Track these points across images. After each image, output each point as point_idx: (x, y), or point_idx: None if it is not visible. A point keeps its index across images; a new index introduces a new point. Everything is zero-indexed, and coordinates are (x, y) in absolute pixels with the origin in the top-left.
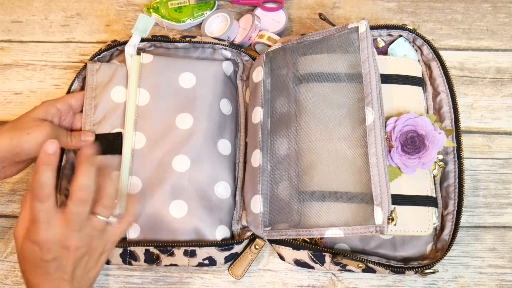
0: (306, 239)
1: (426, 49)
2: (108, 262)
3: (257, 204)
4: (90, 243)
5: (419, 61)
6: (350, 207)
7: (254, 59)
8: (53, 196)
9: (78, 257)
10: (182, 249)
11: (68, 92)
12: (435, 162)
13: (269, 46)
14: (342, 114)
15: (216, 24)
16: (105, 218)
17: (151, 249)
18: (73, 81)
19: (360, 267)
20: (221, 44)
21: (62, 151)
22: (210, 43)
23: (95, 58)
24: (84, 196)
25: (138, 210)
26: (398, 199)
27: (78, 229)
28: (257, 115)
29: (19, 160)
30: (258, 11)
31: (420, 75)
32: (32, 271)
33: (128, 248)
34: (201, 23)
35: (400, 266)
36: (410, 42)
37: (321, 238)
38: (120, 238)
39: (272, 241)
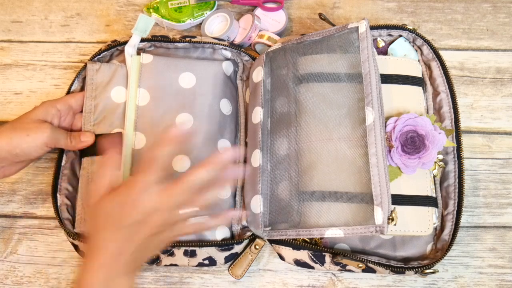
0: (306, 239)
1: (426, 49)
2: None
3: (257, 204)
4: (168, 227)
5: (419, 61)
6: (350, 207)
7: (254, 59)
8: (159, 173)
9: (152, 233)
10: (182, 249)
11: (68, 92)
12: (435, 162)
13: (269, 46)
14: (342, 114)
15: (216, 24)
16: (191, 211)
17: None
18: (73, 81)
19: (360, 267)
20: (221, 44)
21: (62, 151)
22: (210, 43)
23: (95, 58)
24: (194, 187)
25: (223, 222)
26: (398, 199)
27: (169, 210)
28: (257, 115)
29: (18, 161)
30: (258, 11)
31: (420, 75)
32: (102, 228)
33: None
34: (201, 23)
35: (400, 266)
36: (410, 42)
37: (321, 238)
38: (187, 234)
39: (272, 241)
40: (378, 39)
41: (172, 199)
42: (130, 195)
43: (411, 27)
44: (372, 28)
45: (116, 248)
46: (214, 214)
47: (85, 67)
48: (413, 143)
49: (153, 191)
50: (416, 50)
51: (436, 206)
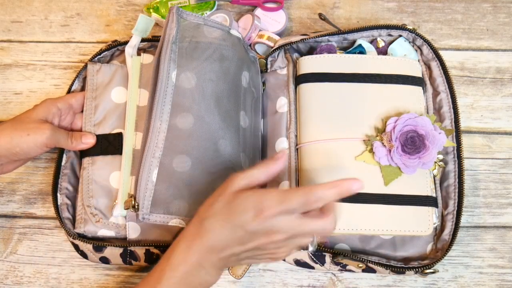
0: None
1: (426, 49)
2: (108, 262)
3: None
4: (279, 248)
5: (419, 61)
6: None
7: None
8: (311, 209)
9: (259, 248)
10: None
11: (69, 92)
12: (435, 162)
13: (269, 46)
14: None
15: None
16: (309, 243)
17: (151, 249)
18: (73, 81)
19: (360, 267)
20: None
21: (62, 151)
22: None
23: (96, 58)
24: (329, 230)
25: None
26: (398, 199)
27: (293, 236)
28: (283, 105)
29: (16, 159)
30: (258, 11)
31: (420, 75)
32: (220, 218)
33: (128, 248)
34: None
35: (400, 266)
36: (410, 42)
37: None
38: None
39: None
40: (378, 39)
41: (301, 229)
42: (272, 208)
43: (411, 27)
44: (372, 28)
45: (224, 242)
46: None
47: (85, 67)
48: (413, 143)
49: (293, 218)
50: (416, 50)
51: (436, 206)
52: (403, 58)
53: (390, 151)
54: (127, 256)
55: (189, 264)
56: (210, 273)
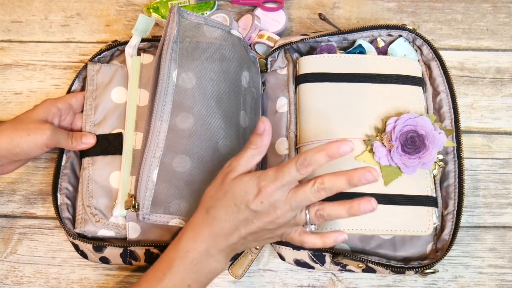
0: None
1: (426, 49)
2: (108, 262)
3: None
4: (281, 226)
5: (419, 61)
6: None
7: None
8: (304, 176)
9: (264, 228)
10: None
11: (69, 92)
12: (435, 162)
13: (269, 46)
14: None
15: None
16: (309, 221)
17: (151, 249)
18: (73, 81)
19: (360, 267)
20: None
21: (62, 151)
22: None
23: (96, 58)
24: (321, 194)
25: (336, 242)
26: (398, 199)
27: (294, 209)
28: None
29: (17, 159)
30: (258, 11)
31: (420, 75)
32: (223, 205)
33: (128, 248)
34: None
35: (400, 266)
36: (410, 42)
37: None
38: (293, 240)
39: None
40: (378, 39)
41: (296, 197)
42: (269, 186)
43: (411, 27)
44: (372, 28)
45: (231, 226)
46: (322, 233)
47: (85, 67)
48: (413, 143)
49: (285, 191)
50: (416, 50)
51: (436, 206)
52: (403, 58)
53: (390, 151)
54: (127, 256)
55: (198, 252)
56: (218, 260)
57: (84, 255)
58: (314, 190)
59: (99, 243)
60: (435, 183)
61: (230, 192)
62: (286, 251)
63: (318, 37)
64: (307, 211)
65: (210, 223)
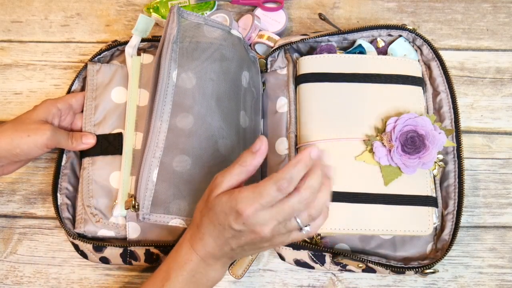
0: (306, 239)
1: (426, 49)
2: (108, 262)
3: None
4: (273, 238)
5: (419, 61)
6: None
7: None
8: (287, 193)
9: (254, 242)
10: None
11: (69, 92)
12: (435, 162)
13: (269, 46)
14: None
15: None
16: (302, 225)
17: (151, 249)
18: (73, 81)
19: (360, 267)
20: None
21: (62, 151)
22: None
23: (96, 58)
24: (308, 201)
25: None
26: (398, 199)
27: (282, 222)
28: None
29: (17, 160)
30: (258, 11)
31: (420, 75)
32: (209, 222)
33: (128, 248)
34: None
35: (400, 266)
36: (410, 42)
37: (321, 238)
38: (296, 241)
39: None
40: (378, 39)
41: (282, 213)
42: (249, 206)
43: (411, 27)
44: (372, 28)
45: (221, 241)
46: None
47: (85, 67)
48: (413, 143)
49: (267, 210)
50: (416, 50)
51: (436, 206)
52: (403, 58)
53: (390, 151)
54: (127, 256)
55: (195, 263)
56: (216, 269)
57: (84, 255)
58: (302, 200)
59: (99, 243)
60: (435, 183)
61: (212, 210)
62: (286, 251)
63: (318, 37)
64: (297, 218)
65: (202, 237)
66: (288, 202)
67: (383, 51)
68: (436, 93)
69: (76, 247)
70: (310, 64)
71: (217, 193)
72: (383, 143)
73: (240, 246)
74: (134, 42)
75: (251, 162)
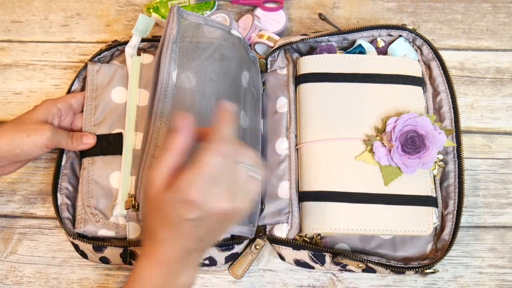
0: (306, 239)
1: (426, 49)
2: (108, 262)
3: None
4: (235, 203)
5: (419, 61)
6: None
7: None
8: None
9: (221, 221)
10: None
11: (69, 92)
12: (435, 162)
13: (269, 46)
14: None
15: None
16: (250, 166)
17: None
18: (73, 81)
19: (360, 267)
20: None
21: (62, 151)
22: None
23: (96, 58)
24: (230, 153)
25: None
26: (398, 199)
27: (230, 183)
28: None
29: (17, 160)
30: (258, 11)
31: (420, 75)
32: (161, 225)
33: (128, 248)
34: None
35: (400, 266)
36: (410, 42)
37: (321, 238)
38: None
39: (272, 241)
40: (378, 39)
41: (231, 165)
42: (192, 193)
43: (411, 27)
44: (372, 28)
45: (180, 245)
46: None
47: (85, 67)
48: (413, 143)
49: (216, 181)
50: (416, 50)
51: (436, 206)
52: (403, 58)
53: (390, 151)
54: (127, 256)
55: (159, 277)
56: (185, 274)
57: (84, 255)
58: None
59: (99, 243)
60: (435, 183)
61: (160, 211)
62: (286, 251)
63: (318, 37)
64: (241, 164)
65: (159, 248)
66: (230, 159)
67: (383, 51)
68: (436, 93)
69: (76, 247)
70: (310, 64)
71: (157, 190)
72: (383, 143)
73: (207, 233)
74: (134, 42)
75: (177, 143)
